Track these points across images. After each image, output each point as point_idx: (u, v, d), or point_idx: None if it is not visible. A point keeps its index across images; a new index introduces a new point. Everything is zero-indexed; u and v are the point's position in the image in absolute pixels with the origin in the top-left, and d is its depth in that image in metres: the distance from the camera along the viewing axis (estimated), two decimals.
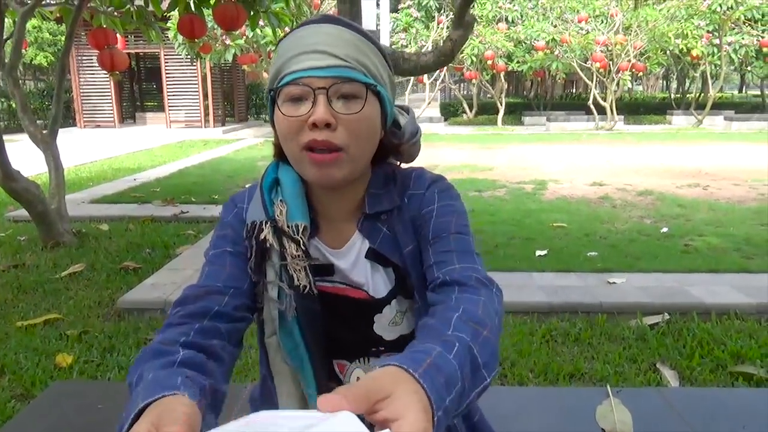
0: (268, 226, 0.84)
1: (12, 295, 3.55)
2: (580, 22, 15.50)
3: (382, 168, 0.89)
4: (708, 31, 15.24)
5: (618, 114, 15.78)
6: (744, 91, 27.63)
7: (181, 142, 13.37)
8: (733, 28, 15.56)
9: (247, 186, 0.95)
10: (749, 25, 15.50)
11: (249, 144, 12.77)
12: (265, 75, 13.93)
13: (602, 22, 15.72)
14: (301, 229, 0.84)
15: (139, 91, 19.65)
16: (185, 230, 4.99)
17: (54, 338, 2.93)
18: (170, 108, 16.52)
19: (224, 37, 12.06)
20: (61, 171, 4.70)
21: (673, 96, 20.41)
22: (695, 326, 2.95)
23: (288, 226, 0.84)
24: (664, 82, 29.64)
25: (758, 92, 21.21)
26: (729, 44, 15.46)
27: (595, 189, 6.80)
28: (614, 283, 3.46)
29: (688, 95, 19.26)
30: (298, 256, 0.84)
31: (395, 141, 0.88)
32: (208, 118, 16.52)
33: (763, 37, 15.25)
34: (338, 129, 0.77)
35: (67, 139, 13.64)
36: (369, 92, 0.79)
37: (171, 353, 0.68)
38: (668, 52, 15.31)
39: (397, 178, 0.90)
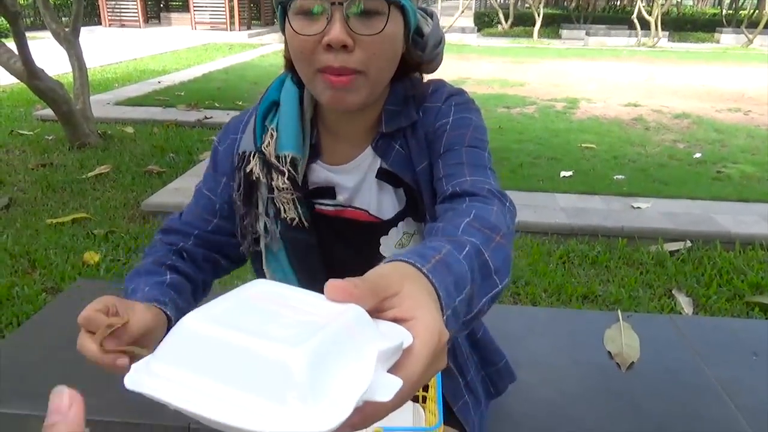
0: (255, 158, 0.81)
1: (41, 193, 3.65)
2: None
3: (402, 84, 0.82)
4: None
5: (663, 30, 14.87)
6: None
7: (206, 45, 13.11)
8: None
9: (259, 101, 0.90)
10: None
11: (274, 50, 12.46)
12: None
13: None
14: (288, 160, 0.80)
15: None
16: (209, 136, 4.99)
17: (82, 236, 3.03)
18: (195, 8, 16.07)
19: None
20: (84, 71, 4.67)
21: (724, 12, 19.08)
22: (717, 255, 2.91)
23: (277, 156, 0.80)
24: None
25: None
26: None
27: (629, 110, 6.54)
28: (638, 207, 3.40)
29: (741, 12, 17.97)
30: (285, 188, 0.80)
31: (418, 53, 0.80)
32: (233, 21, 16.06)
33: None
34: (356, 50, 0.69)
35: (91, 38, 13.47)
36: (392, 7, 0.70)
37: (161, 274, 0.81)
38: None
39: (416, 93, 0.84)
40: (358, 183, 0.84)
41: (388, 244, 0.86)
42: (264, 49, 12.58)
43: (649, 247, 3.00)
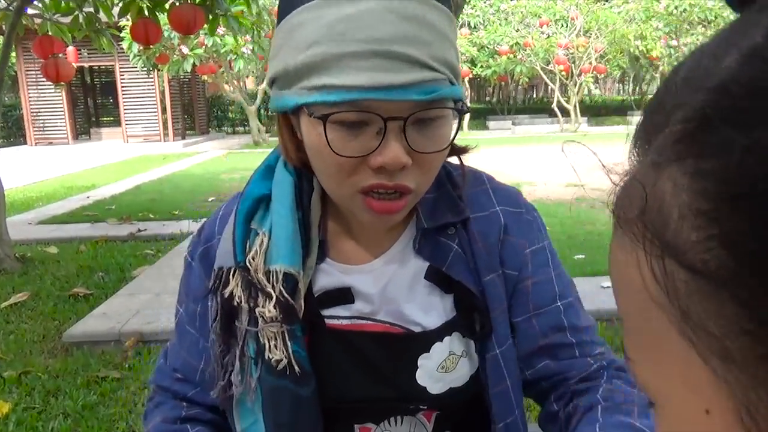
0: (236, 276, 0.59)
1: None
2: (541, 26, 15.60)
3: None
4: (665, 33, 15.55)
5: (581, 116, 15.91)
6: None
7: (139, 156, 12.84)
8: (688, 30, 15.93)
9: (232, 197, 0.69)
10: (703, 26, 15.88)
11: (211, 157, 12.34)
12: (226, 87, 13.51)
13: (563, 25, 15.87)
14: (280, 277, 0.57)
15: (94, 106, 18.93)
16: (143, 249, 4.61)
17: None
18: (127, 122, 15.91)
19: (181, 46, 11.64)
20: (0, 191, 4.28)
21: (632, 98, 20.81)
22: None
23: (267, 272, 0.58)
24: (620, 85, 30.30)
25: None
26: (685, 45, 15.78)
27: (571, 190, 6.67)
28: (608, 287, 3.25)
29: (645, 96, 19.63)
30: (272, 317, 0.57)
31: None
32: (167, 132, 15.96)
33: None
34: (412, 167, 0.55)
35: (15, 157, 12.98)
36: (455, 112, 0.57)
37: (183, 431, 0.68)
38: (628, 53, 15.54)
39: (452, 176, 0.66)
40: (382, 288, 0.62)
41: (427, 367, 0.62)
42: (200, 157, 12.43)
43: None
